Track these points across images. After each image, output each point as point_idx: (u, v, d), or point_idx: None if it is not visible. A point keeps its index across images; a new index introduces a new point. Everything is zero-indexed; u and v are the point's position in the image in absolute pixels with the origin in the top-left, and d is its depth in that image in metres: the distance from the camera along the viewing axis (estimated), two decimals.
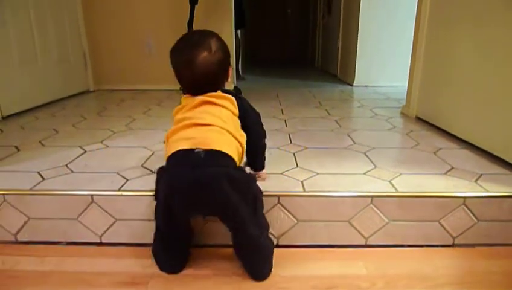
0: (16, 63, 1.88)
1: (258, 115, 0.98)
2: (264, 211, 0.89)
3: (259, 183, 0.91)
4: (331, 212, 0.95)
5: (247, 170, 0.99)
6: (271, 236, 0.94)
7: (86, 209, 0.96)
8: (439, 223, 0.96)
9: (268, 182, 1.01)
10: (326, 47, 4.31)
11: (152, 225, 0.87)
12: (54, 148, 1.33)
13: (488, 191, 0.97)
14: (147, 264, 0.87)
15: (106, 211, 0.96)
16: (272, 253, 0.85)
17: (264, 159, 1.02)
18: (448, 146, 1.36)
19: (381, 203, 0.95)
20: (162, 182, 0.81)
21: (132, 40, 2.66)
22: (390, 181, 1.02)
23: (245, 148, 0.90)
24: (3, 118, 1.77)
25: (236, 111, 0.90)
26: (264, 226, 0.85)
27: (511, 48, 1.15)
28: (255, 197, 0.84)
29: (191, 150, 0.79)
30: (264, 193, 0.90)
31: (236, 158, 0.84)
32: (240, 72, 3.59)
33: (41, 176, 1.06)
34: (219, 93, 0.89)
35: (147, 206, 0.94)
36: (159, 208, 0.83)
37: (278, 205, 0.95)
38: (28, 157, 1.22)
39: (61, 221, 0.97)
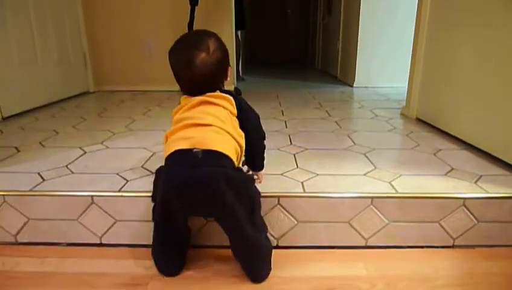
0: (16, 64, 1.88)
1: (257, 116, 0.98)
2: (264, 212, 0.89)
3: (256, 184, 0.91)
4: (331, 213, 0.95)
5: (245, 169, 0.99)
6: (271, 237, 0.94)
7: (86, 210, 0.96)
8: (439, 224, 0.96)
9: (268, 183, 1.01)
10: (326, 48, 4.31)
11: (152, 226, 0.87)
12: (54, 149, 1.33)
13: (488, 192, 0.97)
14: (147, 265, 0.87)
15: (106, 212, 0.96)
16: (270, 254, 0.84)
17: (263, 160, 1.02)
18: (448, 147, 1.36)
19: (381, 204, 0.95)
20: (160, 182, 0.80)
21: (132, 40, 2.66)
22: (390, 182, 1.02)
23: (244, 148, 0.90)
24: (3, 118, 1.77)
25: (235, 111, 0.90)
26: (262, 227, 0.85)
27: (511, 49, 1.15)
28: (253, 198, 0.84)
29: (189, 150, 0.79)
30: (264, 194, 0.90)
31: (234, 158, 0.83)
32: (240, 73, 3.59)
33: (42, 177, 1.06)
34: (218, 93, 0.89)
35: (147, 207, 0.94)
36: (156, 209, 0.83)
37: (278, 206, 0.95)
38: (28, 158, 1.22)
39: (61, 222, 0.97)
